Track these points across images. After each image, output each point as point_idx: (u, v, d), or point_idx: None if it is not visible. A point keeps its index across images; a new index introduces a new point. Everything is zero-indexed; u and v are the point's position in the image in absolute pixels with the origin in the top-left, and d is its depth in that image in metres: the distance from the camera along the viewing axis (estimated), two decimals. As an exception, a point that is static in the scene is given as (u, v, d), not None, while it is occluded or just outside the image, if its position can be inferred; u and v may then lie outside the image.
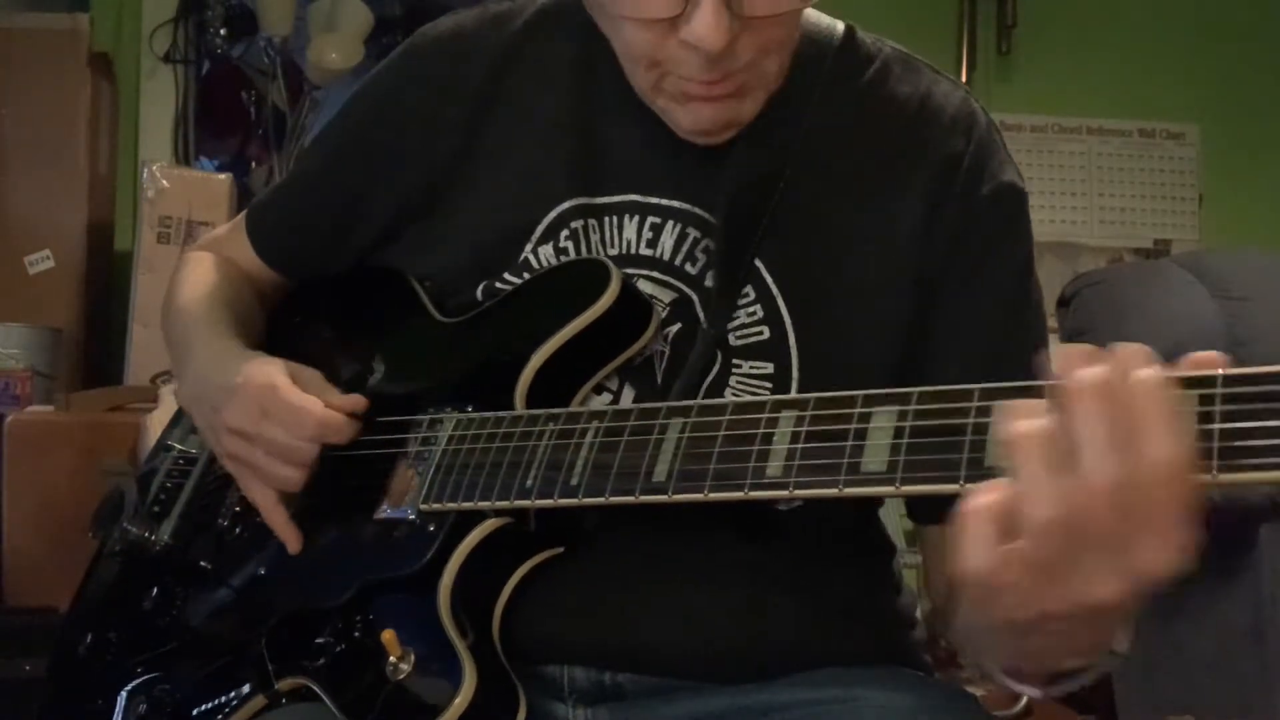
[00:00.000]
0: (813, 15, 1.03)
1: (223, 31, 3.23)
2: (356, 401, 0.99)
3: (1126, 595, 0.58)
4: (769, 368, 0.94)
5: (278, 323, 1.20)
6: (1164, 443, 0.55)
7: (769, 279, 0.96)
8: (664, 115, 0.94)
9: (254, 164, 3.29)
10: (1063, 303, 2.27)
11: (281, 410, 0.95)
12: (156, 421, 2.10)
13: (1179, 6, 3.59)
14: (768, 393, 0.93)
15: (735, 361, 0.95)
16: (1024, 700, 2.62)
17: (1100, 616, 0.61)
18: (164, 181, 2.66)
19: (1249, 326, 2.01)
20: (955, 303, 0.97)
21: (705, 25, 0.82)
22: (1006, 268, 0.99)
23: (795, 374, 0.94)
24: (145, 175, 2.67)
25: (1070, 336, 2.22)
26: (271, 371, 0.98)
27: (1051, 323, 2.36)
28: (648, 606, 0.87)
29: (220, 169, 3.12)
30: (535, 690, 0.92)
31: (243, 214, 1.22)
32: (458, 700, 0.83)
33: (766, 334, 0.95)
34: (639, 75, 0.92)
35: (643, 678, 0.95)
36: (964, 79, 3.39)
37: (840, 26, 1.03)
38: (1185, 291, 2.12)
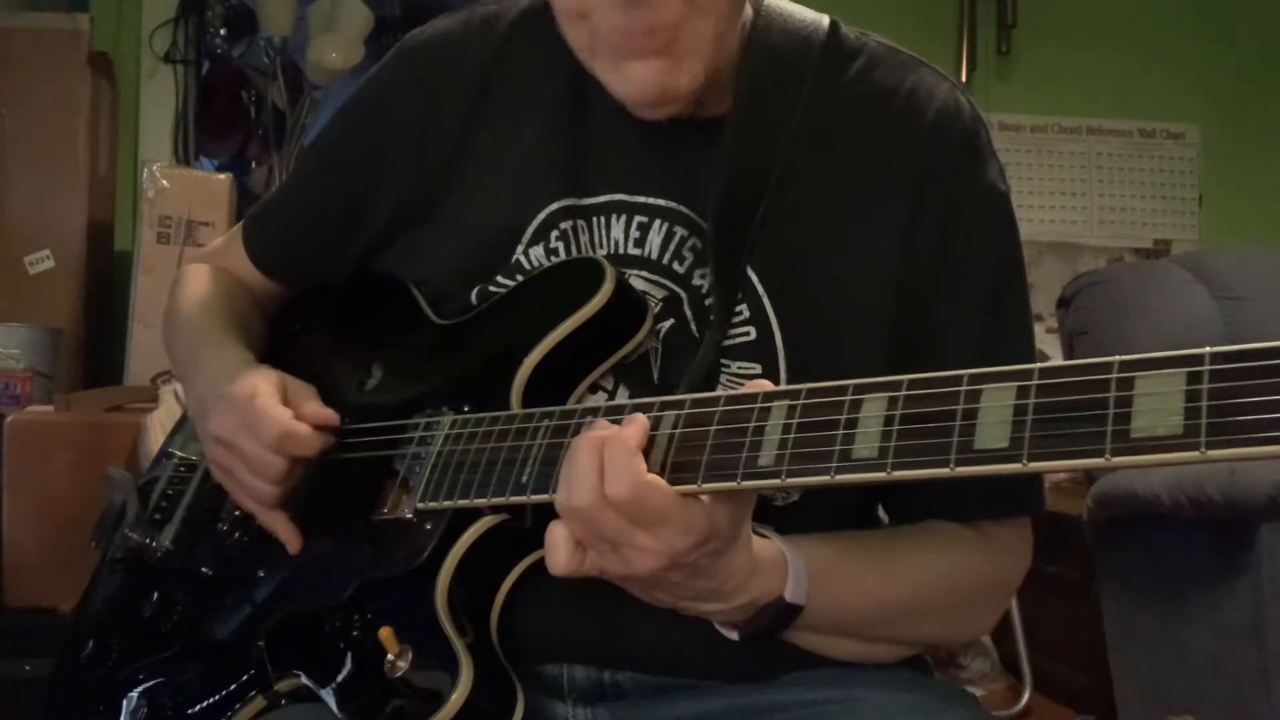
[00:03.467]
0: (797, 10, 1.03)
1: (223, 31, 3.23)
2: (325, 415, 0.98)
3: (666, 566, 0.78)
4: (756, 368, 0.94)
5: (277, 331, 1.20)
6: (616, 484, 0.76)
7: (755, 279, 0.96)
8: (607, 86, 0.94)
9: (254, 164, 3.29)
10: (1063, 303, 2.27)
11: (252, 420, 0.95)
12: (157, 422, 2.10)
13: (1179, 6, 3.59)
14: None
15: (724, 362, 0.95)
16: (1024, 700, 2.62)
17: (659, 581, 0.80)
18: (164, 181, 2.66)
19: (1249, 326, 2.01)
20: (939, 304, 0.97)
21: None
22: (990, 270, 0.98)
23: (783, 375, 0.94)
24: (145, 175, 2.67)
25: (1070, 336, 2.22)
26: (257, 382, 0.98)
27: (1051, 323, 2.39)
28: (647, 605, 0.87)
29: (220, 169, 3.13)
30: (535, 689, 0.92)
31: (239, 225, 1.22)
32: (454, 697, 0.83)
33: (753, 335, 0.95)
34: (573, 32, 0.93)
35: (642, 677, 0.95)
36: (964, 79, 3.40)
37: (825, 21, 1.03)
38: (1185, 291, 2.12)
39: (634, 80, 0.92)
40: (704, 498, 0.78)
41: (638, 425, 0.78)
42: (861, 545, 0.94)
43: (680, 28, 0.89)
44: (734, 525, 0.80)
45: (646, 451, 0.78)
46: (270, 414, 0.95)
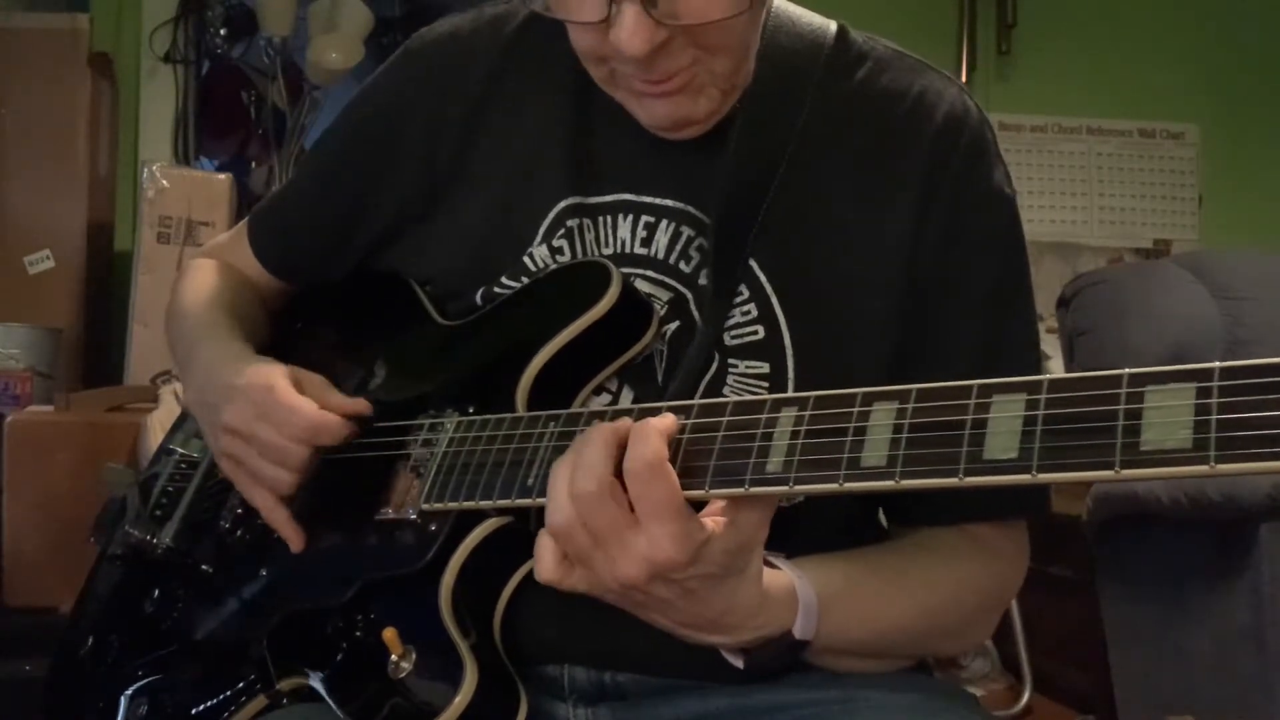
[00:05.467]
0: (805, 15, 1.03)
1: (223, 31, 3.23)
2: (354, 404, 0.99)
3: (649, 576, 0.75)
4: (764, 367, 0.95)
5: (281, 328, 1.20)
6: (637, 456, 0.74)
7: (763, 278, 0.96)
8: (627, 108, 0.95)
9: (254, 164, 3.29)
10: (1063, 303, 2.27)
11: (275, 411, 0.95)
12: (157, 422, 2.10)
13: (1179, 6, 3.59)
14: (765, 392, 0.94)
15: (731, 361, 0.95)
16: (1024, 700, 2.62)
17: (647, 596, 0.78)
18: (164, 181, 2.66)
19: (1249, 326, 2.01)
20: (944, 306, 0.97)
21: (626, 32, 0.85)
22: (994, 273, 0.99)
23: (791, 373, 0.94)
24: (145, 175, 2.67)
25: (1070, 336, 2.22)
26: (272, 373, 0.98)
27: (1051, 323, 2.39)
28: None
29: (220, 169, 3.13)
30: (536, 690, 0.92)
31: (244, 221, 1.22)
32: (458, 699, 0.83)
33: (761, 333, 0.95)
34: (592, 70, 0.94)
35: (643, 678, 0.95)
36: (964, 79, 3.40)
37: (833, 26, 1.03)
38: (1185, 291, 2.12)
39: (653, 113, 0.94)
40: (707, 522, 0.77)
41: (669, 417, 0.78)
42: (871, 570, 0.93)
43: (696, 68, 0.90)
44: (730, 555, 0.78)
45: None
46: (296, 406, 0.95)
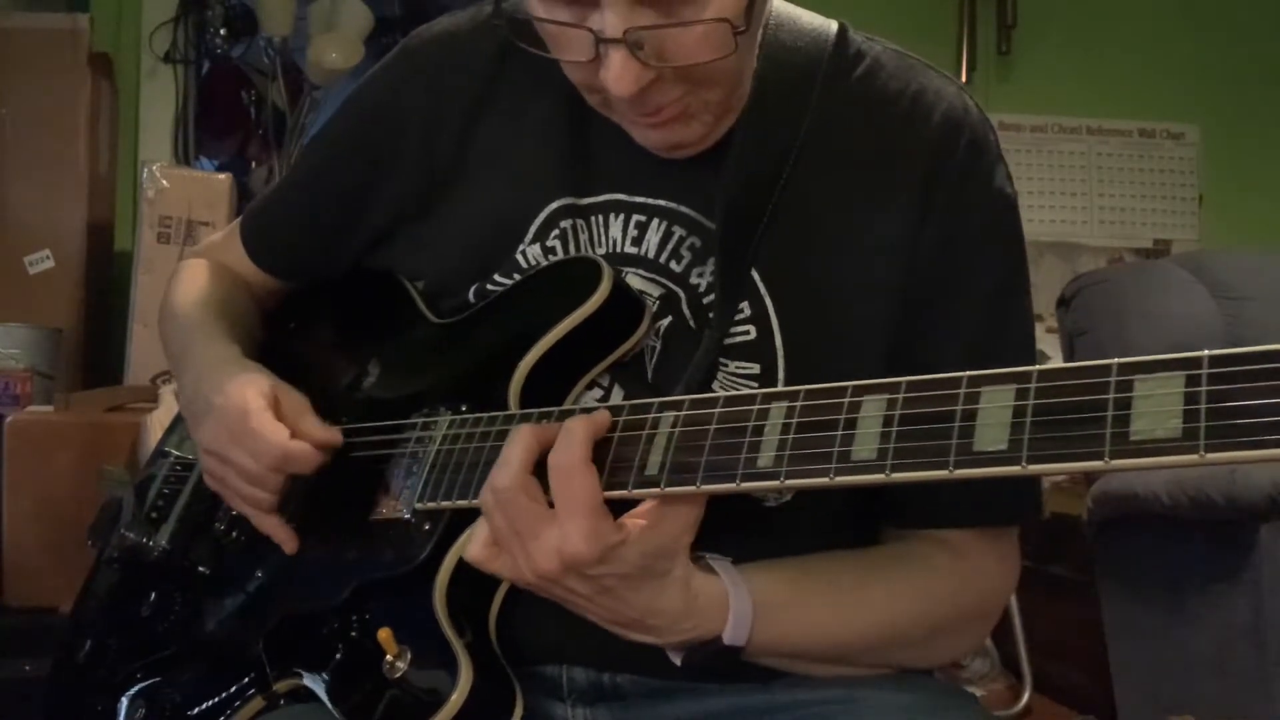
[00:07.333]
0: (806, 16, 1.03)
1: (223, 31, 3.23)
2: (327, 434, 0.98)
3: (561, 568, 0.78)
4: (755, 368, 0.94)
5: (273, 327, 1.20)
6: (559, 453, 0.79)
7: (757, 279, 0.95)
8: (623, 128, 0.96)
9: (254, 164, 3.29)
10: (1062, 303, 2.27)
11: (247, 438, 0.95)
12: (157, 422, 2.10)
13: (1179, 6, 3.59)
14: None
15: (722, 361, 0.95)
16: (1024, 700, 2.62)
17: (568, 590, 0.81)
18: (164, 181, 2.66)
19: (1249, 326, 2.01)
20: (940, 308, 0.96)
21: (613, 75, 0.85)
22: (993, 275, 0.98)
23: (781, 374, 0.94)
24: (145, 175, 2.67)
25: (1070, 336, 2.22)
26: (248, 395, 0.97)
27: (1051, 323, 2.39)
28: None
29: (220, 169, 3.13)
30: (534, 690, 0.92)
31: (238, 220, 1.22)
32: (454, 697, 0.83)
33: (753, 334, 0.95)
34: (586, 96, 0.95)
35: (642, 678, 0.95)
36: (964, 79, 3.40)
37: (833, 26, 1.02)
38: (1185, 291, 2.12)
39: (647, 138, 0.94)
40: (626, 524, 0.79)
41: (601, 414, 0.82)
42: (826, 580, 0.92)
43: (688, 99, 0.90)
44: (647, 558, 0.79)
45: (647, 451, 0.79)
46: (267, 436, 0.95)
